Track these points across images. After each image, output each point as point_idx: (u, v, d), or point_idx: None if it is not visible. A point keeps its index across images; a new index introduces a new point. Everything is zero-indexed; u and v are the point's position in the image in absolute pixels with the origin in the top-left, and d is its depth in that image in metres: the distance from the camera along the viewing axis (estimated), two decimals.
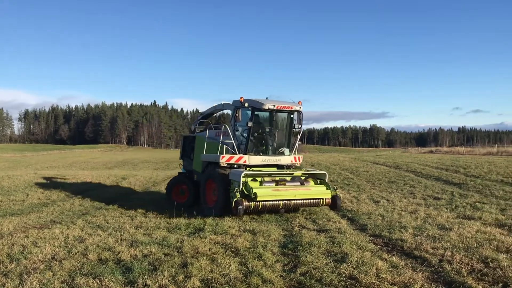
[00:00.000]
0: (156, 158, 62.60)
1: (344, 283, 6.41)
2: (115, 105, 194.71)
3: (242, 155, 12.61)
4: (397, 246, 8.52)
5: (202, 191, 13.21)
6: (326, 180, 12.69)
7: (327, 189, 12.27)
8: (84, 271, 6.95)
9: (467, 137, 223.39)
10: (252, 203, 11.08)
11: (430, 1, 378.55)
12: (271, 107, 12.52)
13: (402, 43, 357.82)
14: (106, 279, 6.46)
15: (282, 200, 11.42)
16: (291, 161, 13.50)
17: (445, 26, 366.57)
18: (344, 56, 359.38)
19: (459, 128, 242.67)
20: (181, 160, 16.58)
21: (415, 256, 7.77)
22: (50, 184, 21.85)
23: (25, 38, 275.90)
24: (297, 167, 13.89)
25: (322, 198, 12.05)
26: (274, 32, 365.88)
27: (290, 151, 13.65)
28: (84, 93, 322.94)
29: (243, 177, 11.34)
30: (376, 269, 6.95)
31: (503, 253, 7.74)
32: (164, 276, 6.60)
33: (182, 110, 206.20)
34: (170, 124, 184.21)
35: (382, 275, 6.68)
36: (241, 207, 10.88)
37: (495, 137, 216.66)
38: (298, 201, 11.76)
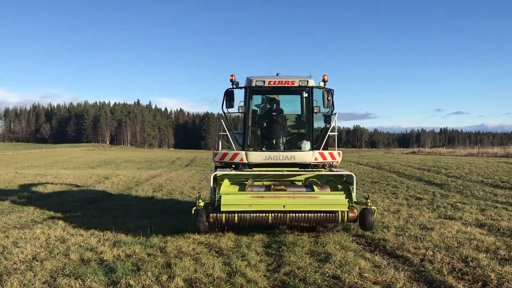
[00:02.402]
0: (139, 157, 62.15)
1: (328, 282, 6.45)
2: (98, 103, 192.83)
3: (237, 152, 9.74)
4: (380, 246, 8.60)
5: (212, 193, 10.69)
6: (354, 185, 8.83)
7: (345, 197, 8.54)
8: (66, 271, 6.87)
9: (448, 138, 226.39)
10: (221, 214, 8.32)
11: (415, 2, 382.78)
12: (259, 83, 9.60)
13: (385, 44, 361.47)
14: (88, 280, 6.40)
15: (270, 212, 8.34)
16: (315, 159, 9.79)
17: (427, 28, 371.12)
18: (328, 56, 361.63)
19: (440, 129, 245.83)
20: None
21: (397, 256, 7.86)
22: (31, 183, 21.53)
23: (5, 35, 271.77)
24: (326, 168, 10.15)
25: (336, 212, 8.41)
26: (260, 31, 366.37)
27: (314, 144, 10.00)
28: (66, 92, 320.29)
29: (216, 177, 8.85)
30: (359, 268, 7.02)
31: (483, 253, 7.88)
32: (147, 276, 6.57)
33: (166, 109, 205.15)
34: (154, 123, 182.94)
35: (365, 274, 6.74)
36: (200, 218, 8.06)
37: (476, 138, 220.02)
38: (296, 215, 8.36)
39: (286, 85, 9.68)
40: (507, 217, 11.45)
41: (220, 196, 8.29)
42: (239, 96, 11.62)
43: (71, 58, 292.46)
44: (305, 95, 10.26)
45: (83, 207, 14.03)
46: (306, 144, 10.05)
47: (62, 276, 6.59)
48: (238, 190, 8.80)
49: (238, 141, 10.30)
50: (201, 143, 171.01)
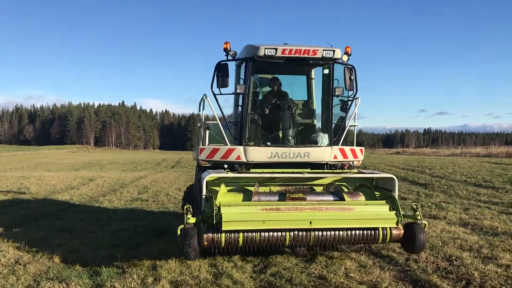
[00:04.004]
0: (124, 159, 61.65)
1: (314, 283, 6.46)
2: (82, 105, 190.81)
3: (232, 147, 7.45)
4: (365, 246, 8.65)
5: (197, 206, 7.67)
6: (395, 192, 6.89)
7: (391, 209, 6.56)
8: (49, 275, 6.78)
9: (432, 138, 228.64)
10: (221, 234, 6.02)
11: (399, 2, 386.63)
12: (270, 52, 7.13)
13: (369, 46, 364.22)
14: (72, 283, 6.33)
15: (289, 230, 6.16)
16: (334, 157, 7.77)
17: (410, 29, 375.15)
18: None
19: (424, 129, 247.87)
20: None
21: (383, 256, 7.91)
22: (13, 185, 21.22)
23: None
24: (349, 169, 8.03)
25: (377, 229, 6.45)
26: (247, 30, 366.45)
27: (334, 139, 7.91)
28: (50, 93, 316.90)
29: (209, 182, 6.51)
30: (345, 268, 7.05)
31: (466, 251, 7.97)
32: (132, 278, 6.51)
33: (151, 110, 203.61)
34: (139, 124, 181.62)
35: (350, 274, 6.77)
36: (190, 242, 5.83)
37: (459, 138, 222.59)
38: (324, 233, 6.24)
39: (305, 55, 7.24)
40: (489, 216, 11.60)
41: (219, 209, 5.94)
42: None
43: (55, 59, 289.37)
44: (325, 71, 7.90)
45: (67, 210, 13.84)
46: (324, 138, 7.82)
47: (46, 280, 6.51)
48: (242, 200, 6.47)
49: (231, 134, 8.07)
50: (186, 145, 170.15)
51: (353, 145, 8.14)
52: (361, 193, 6.98)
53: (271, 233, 6.08)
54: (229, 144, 7.61)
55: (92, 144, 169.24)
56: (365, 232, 6.36)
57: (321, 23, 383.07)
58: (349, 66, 7.64)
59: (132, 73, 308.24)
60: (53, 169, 39.84)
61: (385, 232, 6.45)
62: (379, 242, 6.55)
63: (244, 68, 7.60)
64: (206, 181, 6.37)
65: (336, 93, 7.73)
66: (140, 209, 13.88)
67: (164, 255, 7.87)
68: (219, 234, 6.00)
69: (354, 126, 8.16)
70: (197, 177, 7.76)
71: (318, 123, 8.56)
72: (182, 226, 5.96)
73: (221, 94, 7.53)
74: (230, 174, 6.85)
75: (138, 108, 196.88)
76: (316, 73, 8.61)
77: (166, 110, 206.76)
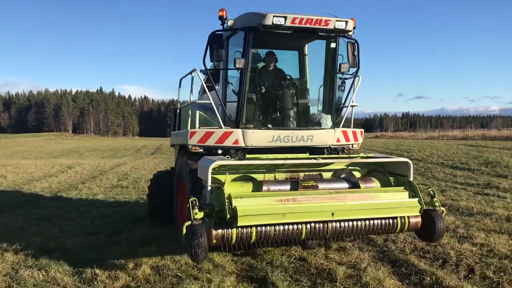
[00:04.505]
0: (103, 146, 60.96)
1: (294, 264, 6.54)
2: (59, 92, 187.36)
3: (229, 130, 6.62)
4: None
5: (175, 199, 7.95)
6: (410, 177, 6.21)
7: (412, 196, 5.92)
8: (28, 263, 6.72)
9: (410, 122, 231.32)
10: (232, 230, 5.18)
11: None
12: (279, 21, 6.24)
13: None
14: (52, 270, 6.27)
15: (305, 222, 5.40)
16: (337, 141, 7.27)
17: (388, 13, 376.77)
18: None
19: (402, 113, 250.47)
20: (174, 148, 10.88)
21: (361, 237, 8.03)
22: None
23: None
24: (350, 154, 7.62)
25: (396, 218, 5.80)
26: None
27: (335, 120, 7.40)
28: (26, 80, 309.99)
29: (213, 170, 5.43)
30: (325, 250, 7.15)
31: None
32: (113, 265, 6.49)
33: (130, 96, 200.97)
34: (118, 111, 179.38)
35: (330, 255, 6.88)
36: (200, 241, 4.95)
37: (436, 122, 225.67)
38: (343, 225, 5.57)
39: (317, 25, 6.44)
40: (465, 197, 11.85)
41: (231, 202, 5.13)
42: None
43: (30, 45, 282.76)
44: (332, 45, 7.08)
45: (45, 198, 13.68)
46: (327, 119, 7.20)
47: (25, 268, 6.44)
48: (252, 190, 5.69)
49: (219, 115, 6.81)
50: (166, 131, 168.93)
51: (350, 127, 7.56)
52: (374, 179, 6.37)
53: (286, 227, 5.30)
54: (223, 126, 6.61)
55: (70, 132, 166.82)
56: (384, 221, 5.73)
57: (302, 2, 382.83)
58: (353, 41, 6.99)
59: (110, 59, 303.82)
60: (30, 157, 39.19)
61: (403, 220, 5.82)
62: (397, 231, 5.98)
63: (244, 40, 6.55)
64: (212, 169, 5.34)
65: (342, 70, 7.04)
66: (120, 196, 13.79)
67: (144, 240, 7.86)
68: (230, 230, 5.16)
69: (354, 106, 7.50)
70: (182, 165, 6.86)
71: (313, 104, 7.70)
72: (188, 222, 5.02)
73: (214, 70, 6.82)
74: (239, 162, 5.85)
75: (116, 94, 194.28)
76: (310, 49, 7.93)
77: (145, 96, 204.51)
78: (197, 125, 6.70)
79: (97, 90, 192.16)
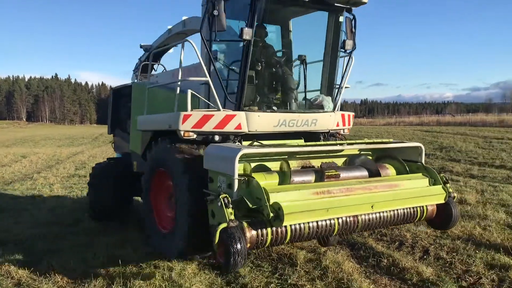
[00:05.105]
0: (60, 134, 59.29)
1: (256, 250, 6.57)
2: (11, 78, 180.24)
3: (231, 113, 5.77)
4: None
5: (145, 198, 6.48)
6: (422, 160, 5.84)
7: (432, 183, 5.56)
8: None
9: (368, 109, 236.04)
10: (266, 230, 4.52)
11: None
12: None
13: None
14: (6, 263, 6.06)
15: (343, 216, 4.88)
16: (337, 125, 6.79)
17: None
18: None
19: (361, 100, 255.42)
20: (113, 135, 9.78)
21: None
22: None
23: None
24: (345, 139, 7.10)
25: (416, 207, 5.42)
26: None
27: (334, 103, 6.76)
28: None
29: (240, 160, 4.60)
30: None
31: None
32: (70, 255, 6.34)
33: (86, 83, 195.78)
34: (74, 98, 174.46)
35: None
36: (240, 247, 4.12)
37: (394, 108, 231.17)
38: (371, 217, 5.07)
39: None
40: None
41: (268, 198, 4.35)
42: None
43: None
44: (340, 19, 6.49)
45: None
46: (329, 102, 6.63)
47: None
48: (280, 183, 4.98)
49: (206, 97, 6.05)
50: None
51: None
52: (388, 166, 5.89)
53: (320, 223, 4.74)
54: (221, 109, 5.74)
55: (24, 120, 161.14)
56: (407, 211, 5.35)
57: None
58: (351, 16, 6.47)
59: (65, 44, 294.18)
60: None
61: (422, 209, 5.49)
62: (416, 220, 5.64)
63: (250, 7, 5.71)
64: (238, 160, 4.50)
65: (346, 48, 6.52)
66: (78, 185, 13.47)
67: (103, 230, 7.73)
68: (265, 231, 4.52)
69: (346, 88, 6.88)
70: (165, 155, 5.80)
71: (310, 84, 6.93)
72: (224, 225, 4.20)
73: (216, 41, 5.83)
74: (266, 149, 5.11)
75: (72, 81, 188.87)
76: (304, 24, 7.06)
77: (102, 82, 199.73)
78: (189, 107, 5.66)
79: (52, 76, 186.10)
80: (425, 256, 6.14)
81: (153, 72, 9.12)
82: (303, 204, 4.50)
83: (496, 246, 6.29)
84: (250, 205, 4.42)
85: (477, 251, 6.11)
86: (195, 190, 5.07)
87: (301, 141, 6.51)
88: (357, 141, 5.96)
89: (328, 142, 5.96)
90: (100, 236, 7.32)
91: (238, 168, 4.62)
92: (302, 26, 7.02)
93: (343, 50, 6.58)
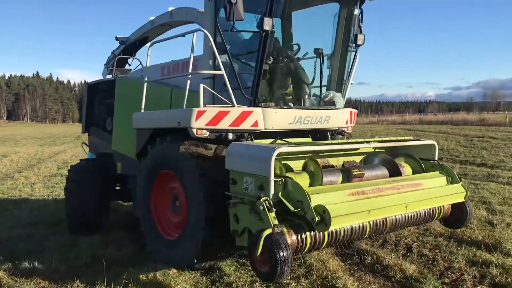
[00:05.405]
0: (41, 133, 58.49)
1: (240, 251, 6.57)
2: None
3: (248, 109, 5.37)
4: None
5: (142, 202, 5.99)
6: (435, 158, 5.72)
7: (450, 182, 5.45)
8: None
9: (352, 108, 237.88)
10: (306, 235, 4.26)
11: None
12: None
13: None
14: None
15: (378, 218, 4.69)
16: (346, 122, 6.59)
17: None
18: None
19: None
20: (88, 134, 9.02)
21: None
22: None
23: None
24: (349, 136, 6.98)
25: (436, 207, 5.30)
26: None
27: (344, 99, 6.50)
28: None
29: (277, 158, 4.26)
30: None
31: None
32: (53, 255, 6.26)
33: (69, 81, 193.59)
34: (56, 97, 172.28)
35: None
36: (287, 254, 3.81)
37: (377, 107, 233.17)
38: (398, 217, 4.90)
39: None
40: None
41: (309, 200, 4.06)
42: None
43: None
44: (356, 12, 6.16)
45: None
46: (340, 98, 6.34)
47: None
48: (311, 183, 4.65)
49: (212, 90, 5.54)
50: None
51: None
52: (403, 164, 5.68)
53: (354, 225, 4.51)
54: (235, 105, 5.32)
55: (5, 118, 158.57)
56: (427, 210, 5.20)
57: None
58: (360, 10, 6.22)
59: (47, 42, 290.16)
60: None
61: (440, 208, 5.36)
62: (433, 220, 5.56)
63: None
64: (276, 154, 4.19)
65: (358, 42, 6.29)
66: (60, 185, 13.30)
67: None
68: (304, 236, 4.24)
69: (351, 84, 6.65)
70: (172, 155, 5.36)
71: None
72: (268, 231, 3.87)
73: (233, 31, 5.27)
74: (302, 148, 4.91)
75: (54, 79, 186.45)
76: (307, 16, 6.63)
77: (85, 81, 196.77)
78: (201, 103, 5.22)
79: (33, 74, 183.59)
80: (408, 254, 6.19)
81: (127, 66, 8.93)
82: (347, 207, 4.23)
83: (477, 243, 6.37)
84: (292, 209, 4.09)
85: (459, 248, 6.19)
86: (212, 193, 4.80)
87: (309, 139, 6.23)
88: (376, 138, 5.64)
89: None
90: (83, 236, 7.23)
91: (279, 165, 4.42)
92: (310, 19, 6.59)
93: (353, 45, 6.28)
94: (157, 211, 5.85)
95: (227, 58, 5.47)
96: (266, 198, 4.05)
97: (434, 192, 5.13)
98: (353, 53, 6.37)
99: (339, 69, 6.33)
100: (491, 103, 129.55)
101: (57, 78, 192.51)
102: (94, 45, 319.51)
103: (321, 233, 4.30)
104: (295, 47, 6.19)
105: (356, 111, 6.97)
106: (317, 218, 3.94)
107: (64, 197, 8.11)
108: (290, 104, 5.84)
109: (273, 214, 3.98)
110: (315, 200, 4.09)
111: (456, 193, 5.27)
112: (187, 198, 5.17)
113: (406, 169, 5.60)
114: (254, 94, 5.44)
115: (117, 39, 8.88)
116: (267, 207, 3.98)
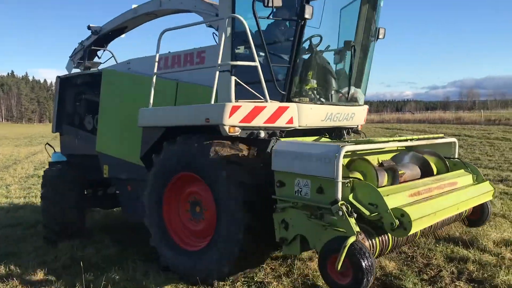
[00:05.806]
0: (17, 133, 57.44)
1: None
2: None
3: (285, 105, 5.01)
4: None
5: (151, 210, 5.44)
6: (455, 155, 5.66)
7: (477, 180, 5.39)
8: None
9: None
10: (378, 240, 4.12)
11: None
12: None
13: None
14: None
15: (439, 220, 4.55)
16: (364, 120, 6.43)
17: None
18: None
19: None
20: (59, 133, 8.19)
21: None
22: None
23: None
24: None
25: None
26: None
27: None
28: None
29: (344, 156, 3.94)
30: None
31: None
32: (30, 258, 6.16)
33: (45, 81, 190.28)
34: (32, 96, 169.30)
35: None
36: (370, 264, 3.54)
37: None
38: (453, 217, 5.04)
39: None
40: None
41: (385, 203, 3.79)
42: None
43: None
44: (382, 3, 5.89)
45: None
46: (361, 94, 6.11)
47: None
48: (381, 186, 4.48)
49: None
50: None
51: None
52: (430, 162, 5.48)
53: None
54: (269, 100, 4.87)
55: None
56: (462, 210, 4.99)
57: None
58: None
59: (22, 40, 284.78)
60: None
61: (468, 209, 5.19)
62: (460, 219, 5.46)
63: None
64: (345, 151, 3.86)
65: (380, 36, 6.03)
66: (37, 186, 13.06)
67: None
68: (374, 241, 4.03)
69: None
70: (205, 148, 4.76)
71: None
72: (353, 238, 3.58)
73: (269, 17, 4.90)
74: (371, 145, 4.67)
75: (30, 78, 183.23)
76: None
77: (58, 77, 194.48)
78: (232, 97, 4.78)
79: (8, 74, 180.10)
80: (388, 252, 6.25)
81: (96, 59, 8.23)
82: (417, 209, 3.96)
83: (455, 239, 6.47)
84: (368, 213, 3.78)
85: (437, 245, 6.27)
86: (250, 198, 4.42)
87: (327, 139, 5.92)
88: (408, 137, 5.50)
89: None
90: (61, 238, 7.12)
91: (343, 166, 4.02)
92: (335, 10, 6.00)
93: (374, 39, 5.99)
94: (170, 219, 5.36)
95: (245, 49, 5.15)
96: (343, 202, 3.72)
97: (471, 191, 5.01)
98: (374, 48, 6.11)
99: (360, 64, 5.97)
100: (466, 102, 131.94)
101: (33, 77, 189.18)
102: (70, 43, 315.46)
103: (387, 238, 4.12)
104: (318, 39, 5.63)
105: (368, 107, 6.61)
106: (396, 223, 3.68)
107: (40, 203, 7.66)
108: (322, 99, 5.51)
109: (353, 220, 3.67)
110: (390, 203, 3.79)
111: (486, 192, 5.19)
112: (218, 204, 4.67)
113: (433, 165, 5.43)
114: (288, 88, 5.07)
115: (89, 28, 7.92)
116: (347, 212, 3.67)
